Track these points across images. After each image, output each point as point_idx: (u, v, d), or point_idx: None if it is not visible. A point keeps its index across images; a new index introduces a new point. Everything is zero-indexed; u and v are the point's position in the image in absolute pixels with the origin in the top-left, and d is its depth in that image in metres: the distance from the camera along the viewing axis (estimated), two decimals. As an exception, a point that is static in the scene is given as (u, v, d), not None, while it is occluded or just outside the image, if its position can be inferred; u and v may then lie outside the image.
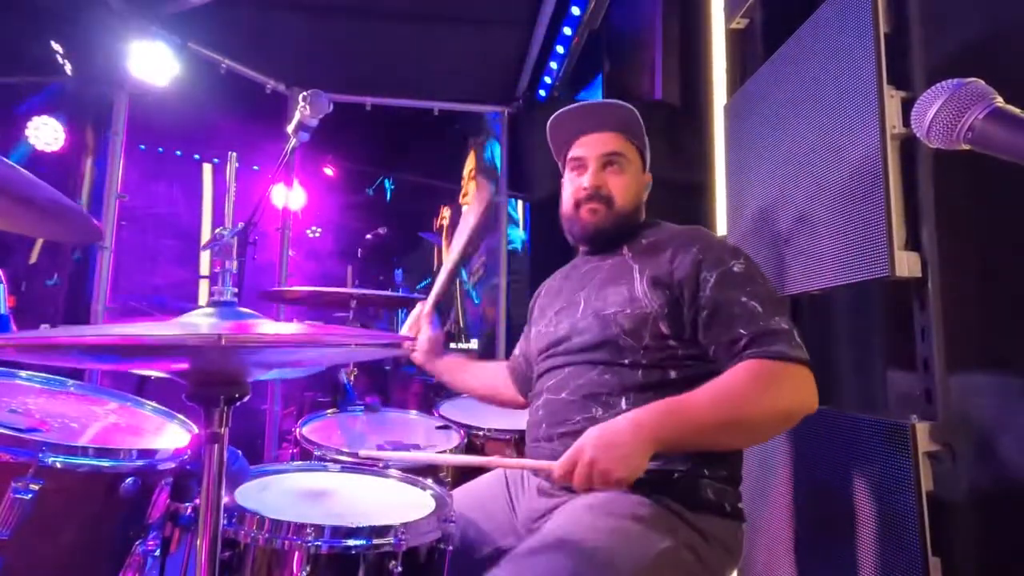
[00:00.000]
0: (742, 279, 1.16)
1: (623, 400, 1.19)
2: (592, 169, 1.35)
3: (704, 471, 1.15)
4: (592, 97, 3.58)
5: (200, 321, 0.76)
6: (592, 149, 1.36)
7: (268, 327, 0.77)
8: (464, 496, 1.35)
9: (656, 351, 1.19)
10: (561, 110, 1.39)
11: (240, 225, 1.57)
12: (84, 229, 1.32)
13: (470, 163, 4.79)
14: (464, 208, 4.86)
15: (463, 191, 4.91)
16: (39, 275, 4.01)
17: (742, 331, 1.10)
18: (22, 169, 1.07)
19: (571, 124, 1.39)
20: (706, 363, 1.17)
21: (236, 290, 0.82)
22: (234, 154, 0.90)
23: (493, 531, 1.30)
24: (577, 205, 1.36)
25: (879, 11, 1.18)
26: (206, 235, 5.12)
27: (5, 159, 1.04)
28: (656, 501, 1.12)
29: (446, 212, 5.49)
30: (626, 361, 1.21)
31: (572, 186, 1.38)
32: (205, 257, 4.84)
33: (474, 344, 4.60)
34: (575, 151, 1.39)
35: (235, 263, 0.83)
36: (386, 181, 6.44)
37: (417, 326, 1.67)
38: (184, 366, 0.76)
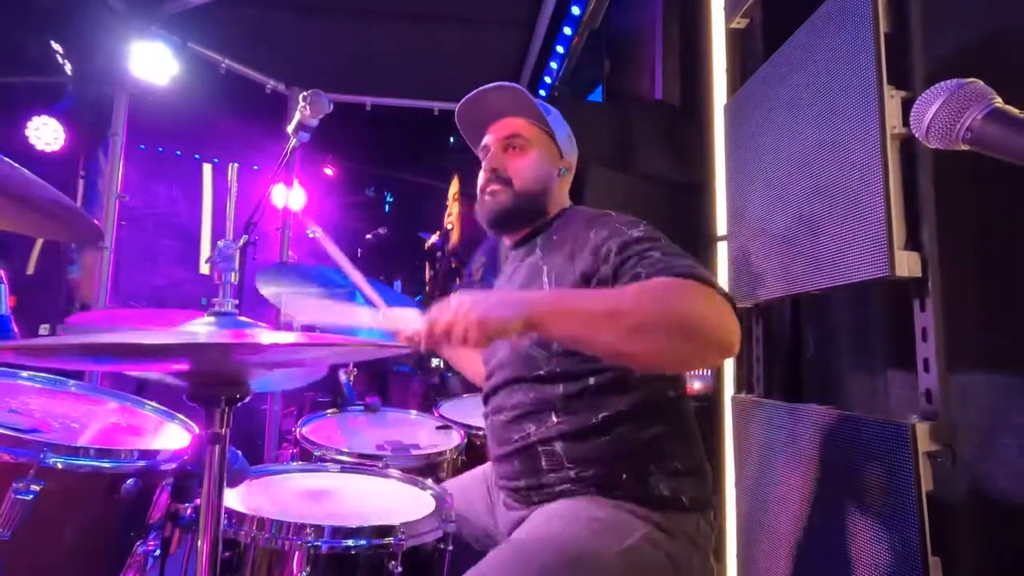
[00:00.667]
0: (642, 240, 1.12)
1: (552, 414, 1.19)
2: (492, 152, 1.35)
3: (651, 467, 1.14)
4: (594, 98, 3.58)
5: (200, 330, 0.77)
6: (494, 135, 1.36)
7: (266, 336, 0.77)
8: (453, 490, 1.36)
9: (566, 356, 1.17)
10: (462, 101, 1.38)
11: (243, 238, 1.57)
12: (83, 229, 1.32)
13: (454, 187, 4.77)
14: (448, 227, 4.81)
15: (447, 211, 4.88)
16: (39, 275, 4.01)
17: (642, 272, 1.04)
18: (21, 168, 1.07)
19: (476, 115, 1.39)
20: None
21: (236, 301, 0.82)
22: (235, 165, 0.90)
23: (483, 528, 1.32)
24: (482, 191, 1.35)
25: (879, 11, 1.18)
26: (206, 235, 5.12)
27: (5, 158, 1.04)
28: (615, 506, 1.12)
29: (433, 237, 5.34)
30: (542, 372, 1.20)
31: (481, 173, 1.38)
32: (206, 257, 4.84)
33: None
34: (483, 141, 1.39)
35: (235, 274, 0.84)
36: (387, 194, 6.39)
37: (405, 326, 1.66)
38: (185, 367, 0.76)
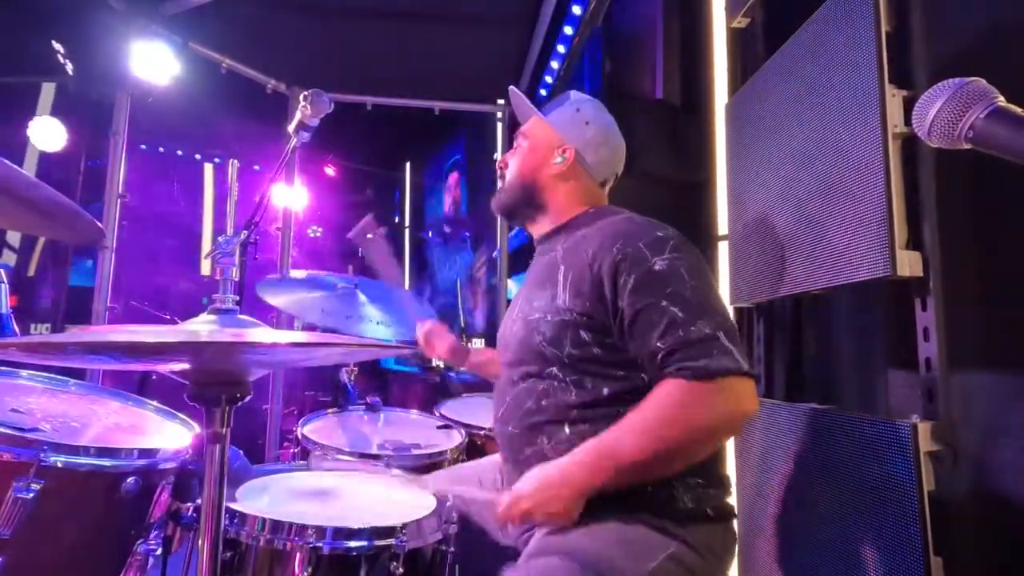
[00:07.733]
0: (663, 279, 1.08)
1: (565, 427, 1.15)
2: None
3: (673, 480, 1.12)
4: (595, 97, 3.58)
5: (201, 328, 0.77)
6: None
7: (266, 335, 0.77)
8: (467, 471, 1.38)
9: (580, 360, 1.15)
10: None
11: (243, 234, 1.56)
12: (85, 230, 1.32)
13: None
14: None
15: None
16: (40, 275, 4.01)
17: (659, 344, 1.04)
18: (22, 170, 1.07)
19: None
20: (637, 372, 1.13)
21: (237, 298, 0.82)
22: (235, 162, 0.90)
23: (492, 525, 1.31)
24: None
25: (880, 10, 1.17)
26: (207, 235, 5.12)
27: (5, 161, 1.04)
28: (639, 520, 1.10)
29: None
30: (554, 371, 1.17)
31: None
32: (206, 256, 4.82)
33: (478, 344, 4.60)
34: None
35: (236, 271, 0.84)
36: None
37: (432, 344, 1.68)
38: (186, 366, 0.76)
